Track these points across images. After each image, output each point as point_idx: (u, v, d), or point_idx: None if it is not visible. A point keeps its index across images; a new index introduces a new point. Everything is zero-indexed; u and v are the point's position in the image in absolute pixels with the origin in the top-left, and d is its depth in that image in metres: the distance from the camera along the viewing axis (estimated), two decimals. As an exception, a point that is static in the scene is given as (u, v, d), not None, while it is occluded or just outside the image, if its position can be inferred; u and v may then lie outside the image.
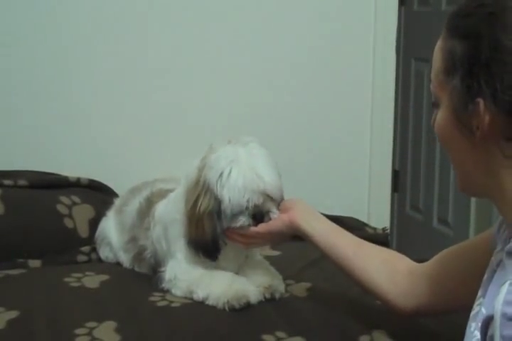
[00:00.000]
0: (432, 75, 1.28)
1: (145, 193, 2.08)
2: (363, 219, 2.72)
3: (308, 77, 2.86)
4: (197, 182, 1.80)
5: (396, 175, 3.81)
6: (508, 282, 1.10)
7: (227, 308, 1.76)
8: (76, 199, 2.34)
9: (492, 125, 1.18)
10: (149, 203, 2.02)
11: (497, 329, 1.09)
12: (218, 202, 1.76)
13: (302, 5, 2.83)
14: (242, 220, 1.76)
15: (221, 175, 1.75)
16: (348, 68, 2.90)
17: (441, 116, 1.27)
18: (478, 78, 1.18)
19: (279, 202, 1.81)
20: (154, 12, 2.70)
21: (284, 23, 2.81)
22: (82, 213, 2.31)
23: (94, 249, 2.24)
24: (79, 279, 1.97)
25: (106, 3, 2.67)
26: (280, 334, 1.68)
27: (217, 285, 1.80)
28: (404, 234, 3.90)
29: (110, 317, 1.74)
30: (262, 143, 1.81)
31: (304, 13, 2.83)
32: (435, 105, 1.29)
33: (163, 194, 2.01)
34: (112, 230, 2.16)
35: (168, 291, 1.88)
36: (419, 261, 1.95)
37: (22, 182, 2.35)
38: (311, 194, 2.83)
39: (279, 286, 1.86)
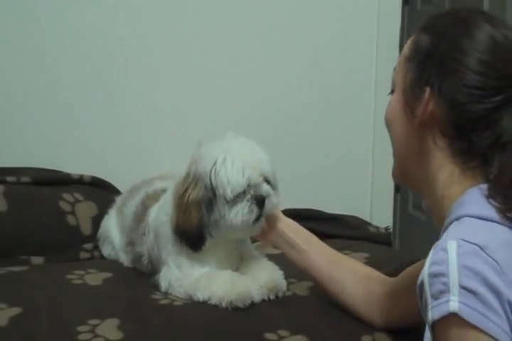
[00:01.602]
0: (397, 63, 1.40)
1: (141, 195, 2.08)
2: (366, 218, 2.72)
3: (311, 76, 2.86)
4: (186, 176, 1.80)
5: (398, 174, 3.80)
6: (433, 247, 1.18)
7: (230, 308, 1.76)
8: (79, 196, 2.34)
9: (432, 115, 1.30)
10: (144, 207, 2.02)
11: (427, 291, 1.15)
12: (209, 191, 1.75)
13: (305, 4, 2.83)
14: (244, 206, 1.74)
15: (215, 163, 1.75)
16: (351, 67, 2.90)
17: (393, 97, 1.39)
18: (431, 68, 1.30)
19: (274, 182, 1.81)
20: (155, 9, 2.70)
21: (287, 22, 2.81)
22: (85, 210, 2.31)
23: (96, 247, 2.24)
24: (81, 276, 1.97)
25: (105, 1, 2.67)
26: (282, 332, 1.68)
27: (218, 286, 1.79)
28: (407, 234, 3.90)
29: (113, 315, 1.74)
30: (264, 141, 1.80)
31: (307, 13, 2.82)
32: (392, 92, 1.40)
33: (157, 196, 2.01)
34: (113, 230, 2.16)
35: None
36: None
37: (25, 179, 2.35)
38: (314, 193, 2.84)
39: (282, 285, 1.86)
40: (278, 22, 2.80)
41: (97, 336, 1.66)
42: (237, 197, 1.75)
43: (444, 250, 1.15)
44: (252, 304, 1.78)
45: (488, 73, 1.27)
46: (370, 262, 2.11)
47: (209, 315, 1.76)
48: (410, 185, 1.44)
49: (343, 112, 2.91)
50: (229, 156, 1.75)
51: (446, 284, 1.13)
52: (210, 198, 1.76)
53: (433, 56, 1.31)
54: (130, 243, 2.05)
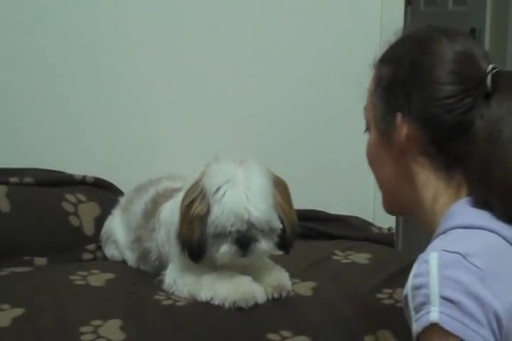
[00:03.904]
0: (366, 102, 1.44)
1: (150, 193, 2.09)
2: (368, 218, 2.72)
3: (314, 76, 2.86)
4: (196, 185, 1.81)
5: (401, 175, 3.80)
6: (417, 260, 1.19)
7: (232, 308, 1.76)
8: (81, 197, 2.34)
9: (409, 138, 1.32)
10: (155, 204, 2.02)
11: (410, 304, 1.16)
12: (209, 210, 1.77)
13: (307, 5, 2.83)
14: (224, 247, 1.76)
15: (218, 189, 1.76)
16: (354, 68, 2.90)
17: (369, 137, 1.42)
18: (397, 93, 1.34)
19: (267, 232, 1.79)
20: (158, 11, 2.70)
21: (288, 23, 2.81)
22: (88, 211, 2.31)
23: (99, 247, 2.24)
24: (84, 277, 1.97)
25: (107, 2, 2.67)
26: (285, 333, 1.69)
27: (221, 286, 1.80)
28: (410, 234, 3.89)
29: (115, 316, 1.74)
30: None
31: (308, 13, 2.82)
32: (367, 130, 1.44)
33: (168, 194, 2.01)
34: (118, 228, 2.17)
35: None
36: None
37: (28, 179, 2.35)
38: (317, 193, 2.83)
39: (286, 284, 1.86)
40: (279, 23, 2.80)
41: (99, 337, 1.66)
42: (220, 235, 1.76)
43: (426, 262, 1.16)
44: (255, 304, 1.78)
45: (454, 80, 1.30)
46: (372, 263, 2.11)
47: (211, 315, 1.76)
48: (402, 211, 1.48)
49: (345, 113, 2.91)
50: (229, 191, 1.75)
51: (427, 296, 1.13)
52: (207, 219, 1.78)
53: (396, 81, 1.35)
54: (137, 239, 2.06)
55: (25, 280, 1.98)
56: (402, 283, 1.92)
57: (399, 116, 1.33)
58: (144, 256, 2.03)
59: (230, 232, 1.75)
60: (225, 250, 1.76)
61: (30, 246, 2.19)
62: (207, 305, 1.79)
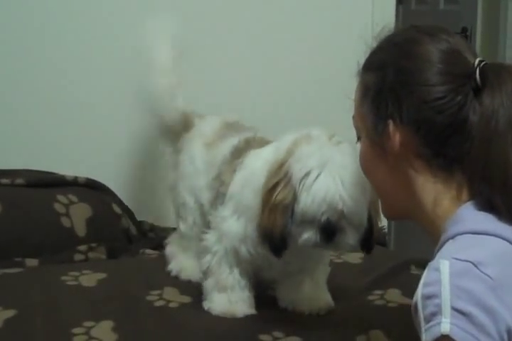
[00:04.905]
0: (354, 111, 1.41)
1: (246, 134, 1.95)
2: (361, 218, 2.72)
3: (307, 76, 2.86)
4: (280, 166, 1.67)
5: (394, 174, 3.80)
6: (427, 267, 1.17)
7: None
8: (73, 198, 2.34)
9: (403, 144, 1.29)
10: (247, 145, 1.89)
11: (420, 313, 1.14)
12: (295, 198, 1.63)
13: (299, 4, 2.83)
14: (309, 234, 1.64)
15: (307, 175, 1.63)
16: (346, 67, 2.90)
17: (362, 146, 1.39)
18: (386, 100, 1.31)
19: (355, 225, 1.66)
20: (156, 8, 2.70)
21: (280, 23, 2.81)
22: (79, 212, 2.31)
23: (91, 248, 2.24)
24: (76, 278, 1.98)
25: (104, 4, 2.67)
26: (277, 334, 1.69)
27: (220, 296, 1.80)
28: (402, 234, 3.89)
29: (107, 317, 1.74)
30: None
31: (300, 12, 2.82)
32: (359, 139, 1.42)
33: (263, 142, 1.89)
34: (198, 172, 2.02)
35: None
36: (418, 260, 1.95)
37: (19, 181, 2.34)
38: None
39: (331, 304, 1.84)
40: (273, 22, 2.80)
41: (91, 338, 1.66)
42: (305, 222, 1.64)
43: (437, 270, 1.14)
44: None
45: (444, 81, 1.27)
46: (365, 262, 2.11)
47: (204, 316, 1.77)
48: (403, 217, 1.43)
49: (341, 113, 2.90)
50: (322, 177, 1.62)
51: (438, 306, 1.12)
52: (294, 204, 1.65)
53: (383, 89, 1.32)
54: (217, 176, 1.91)
55: (16, 281, 1.98)
56: (394, 284, 1.95)
57: (391, 124, 1.30)
58: (218, 194, 1.89)
59: (318, 220, 1.63)
60: (309, 237, 1.64)
61: (21, 247, 2.19)
62: (199, 306, 1.80)
